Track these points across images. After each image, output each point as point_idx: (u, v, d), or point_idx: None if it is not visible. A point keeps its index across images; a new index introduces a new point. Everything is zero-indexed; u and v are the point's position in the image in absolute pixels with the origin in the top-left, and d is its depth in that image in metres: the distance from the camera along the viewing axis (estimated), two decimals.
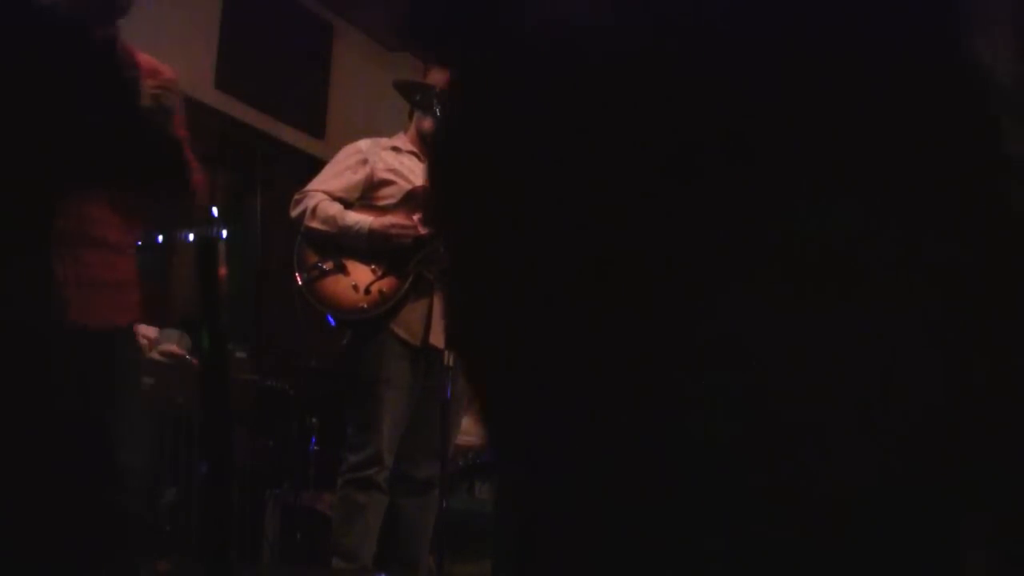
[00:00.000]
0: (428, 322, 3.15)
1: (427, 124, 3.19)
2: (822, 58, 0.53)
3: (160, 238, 3.99)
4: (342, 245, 3.17)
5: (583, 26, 0.53)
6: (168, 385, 3.47)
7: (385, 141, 3.34)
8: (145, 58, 2.31)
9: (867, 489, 0.48)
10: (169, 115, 2.18)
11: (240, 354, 4.56)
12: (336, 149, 3.47)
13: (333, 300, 3.17)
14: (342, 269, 3.17)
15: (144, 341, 3.39)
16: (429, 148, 2.19)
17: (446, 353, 2.98)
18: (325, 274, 3.17)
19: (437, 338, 3.13)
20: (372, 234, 3.13)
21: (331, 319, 3.21)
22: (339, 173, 3.27)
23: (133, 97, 2.07)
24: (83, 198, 2.20)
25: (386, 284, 3.15)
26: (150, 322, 3.29)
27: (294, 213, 3.23)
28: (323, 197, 3.20)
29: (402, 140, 3.34)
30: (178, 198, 2.29)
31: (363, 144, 3.33)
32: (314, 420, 4.22)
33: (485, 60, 0.57)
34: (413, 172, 3.25)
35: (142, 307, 2.39)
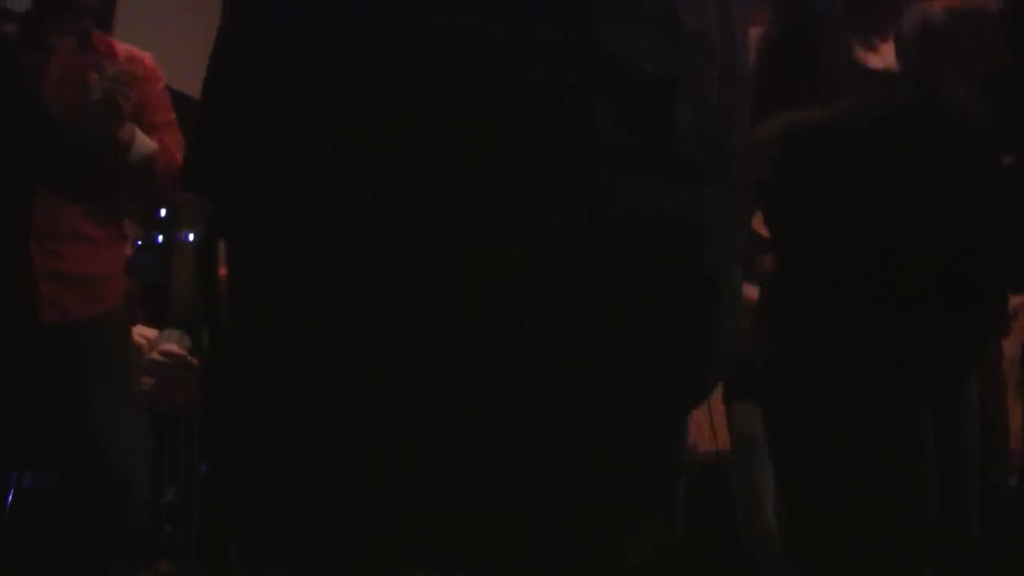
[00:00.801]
0: None
1: None
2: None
3: (160, 238, 4.00)
4: None
5: None
6: (168, 385, 3.47)
7: None
8: (124, 50, 2.27)
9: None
10: (116, 110, 2.13)
11: None
12: None
13: None
14: None
15: (144, 341, 3.38)
16: None
17: None
18: None
19: None
20: None
21: None
22: None
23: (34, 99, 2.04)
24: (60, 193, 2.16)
25: None
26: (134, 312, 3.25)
27: None
28: None
29: None
30: (102, 198, 2.23)
31: None
32: None
33: None
34: None
35: (125, 296, 2.33)
